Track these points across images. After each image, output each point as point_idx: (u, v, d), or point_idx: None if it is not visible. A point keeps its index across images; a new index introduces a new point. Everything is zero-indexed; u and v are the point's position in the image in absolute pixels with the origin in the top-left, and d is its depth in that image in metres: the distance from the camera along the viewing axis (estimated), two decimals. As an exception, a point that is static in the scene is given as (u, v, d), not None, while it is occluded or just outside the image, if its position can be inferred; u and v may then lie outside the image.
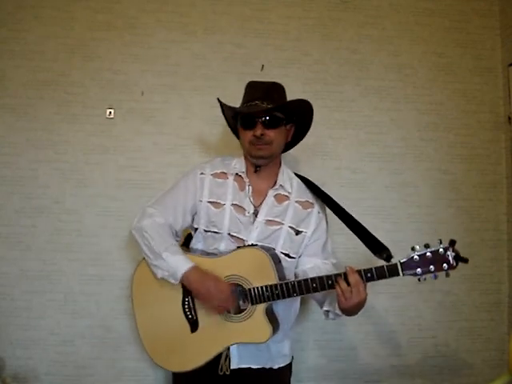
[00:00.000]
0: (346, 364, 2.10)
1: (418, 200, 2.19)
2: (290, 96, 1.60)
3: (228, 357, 1.52)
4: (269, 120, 1.51)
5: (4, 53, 2.09)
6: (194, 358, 1.50)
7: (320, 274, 1.43)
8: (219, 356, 1.51)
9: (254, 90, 1.57)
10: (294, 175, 1.66)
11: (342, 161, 2.17)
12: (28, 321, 2.02)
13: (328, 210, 1.64)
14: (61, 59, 2.11)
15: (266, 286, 1.43)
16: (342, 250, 2.00)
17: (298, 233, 1.57)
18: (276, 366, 1.59)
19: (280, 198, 1.59)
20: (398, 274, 1.37)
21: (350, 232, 1.56)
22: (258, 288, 1.44)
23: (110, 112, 2.11)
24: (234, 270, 1.48)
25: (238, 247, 1.51)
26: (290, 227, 1.56)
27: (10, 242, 2.04)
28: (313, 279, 1.41)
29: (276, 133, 1.53)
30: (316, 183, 1.65)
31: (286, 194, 1.60)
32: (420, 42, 2.24)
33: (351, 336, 2.11)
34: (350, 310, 1.40)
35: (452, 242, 1.35)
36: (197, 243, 1.62)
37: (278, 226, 1.55)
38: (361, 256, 1.56)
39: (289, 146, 1.68)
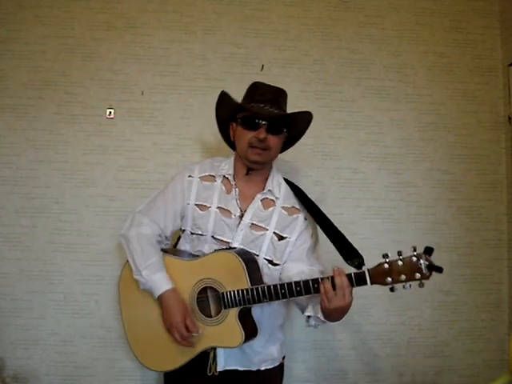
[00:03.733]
0: (346, 364, 2.10)
1: (418, 200, 2.18)
2: (289, 97, 1.61)
3: (215, 358, 1.51)
4: (273, 125, 1.51)
5: (4, 53, 2.09)
6: (176, 357, 1.49)
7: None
8: (207, 356, 1.51)
9: (263, 92, 1.55)
10: (282, 180, 1.65)
11: (342, 161, 2.17)
12: (28, 321, 2.02)
13: None
14: (61, 59, 2.11)
15: (238, 291, 1.42)
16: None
17: (281, 238, 1.54)
18: (263, 368, 1.57)
19: (267, 203, 1.57)
20: (366, 283, 1.30)
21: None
22: (229, 292, 1.43)
23: (110, 112, 2.10)
24: (208, 273, 1.47)
25: (216, 250, 1.50)
26: (274, 233, 1.54)
27: (10, 242, 2.04)
28: (297, 282, 1.36)
29: (276, 139, 1.54)
30: (302, 189, 1.65)
31: (274, 198, 1.58)
32: (420, 41, 2.24)
33: (351, 336, 2.11)
34: (333, 314, 1.35)
35: (427, 250, 1.24)
36: (184, 244, 1.62)
37: (262, 232, 1.53)
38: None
39: None
